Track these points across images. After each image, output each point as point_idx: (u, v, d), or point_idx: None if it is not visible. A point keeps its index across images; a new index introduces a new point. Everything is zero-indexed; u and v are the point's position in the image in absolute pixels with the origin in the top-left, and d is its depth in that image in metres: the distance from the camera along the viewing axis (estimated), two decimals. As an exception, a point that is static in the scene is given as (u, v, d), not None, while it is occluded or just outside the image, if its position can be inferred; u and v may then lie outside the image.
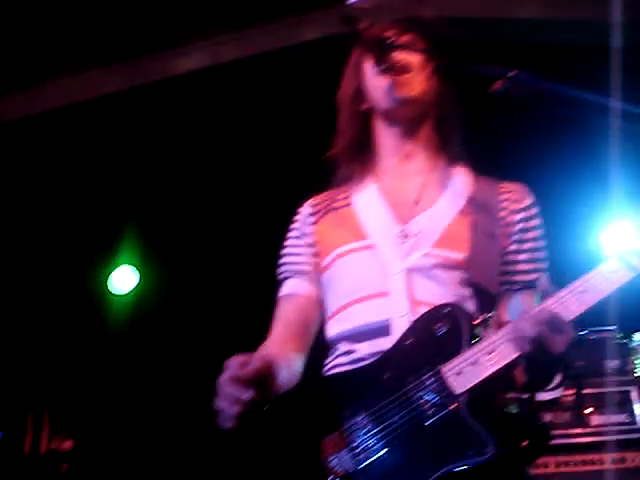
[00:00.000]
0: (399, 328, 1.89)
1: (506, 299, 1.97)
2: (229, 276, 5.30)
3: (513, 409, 1.85)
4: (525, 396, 1.88)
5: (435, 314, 1.85)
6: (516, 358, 1.72)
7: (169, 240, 5.48)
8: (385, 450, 1.78)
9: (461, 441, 1.71)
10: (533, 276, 1.98)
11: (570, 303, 1.69)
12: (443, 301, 1.87)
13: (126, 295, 5.55)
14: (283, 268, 2.19)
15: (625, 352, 4.29)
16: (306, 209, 2.21)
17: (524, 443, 1.74)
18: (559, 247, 2.21)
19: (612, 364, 4.27)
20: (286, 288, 2.17)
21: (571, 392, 4.19)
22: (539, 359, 1.69)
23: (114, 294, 5.50)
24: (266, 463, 1.95)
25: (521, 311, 1.74)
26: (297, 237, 2.19)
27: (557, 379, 1.85)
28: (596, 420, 4.16)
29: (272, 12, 4.55)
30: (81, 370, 5.56)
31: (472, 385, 1.74)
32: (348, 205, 2.13)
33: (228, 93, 4.84)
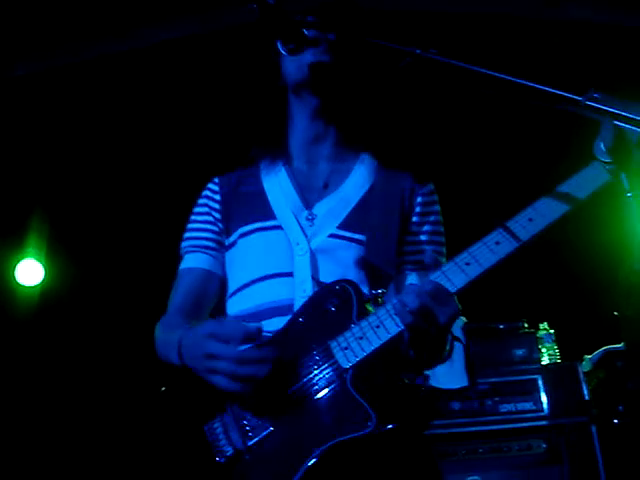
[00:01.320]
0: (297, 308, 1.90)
1: (403, 277, 1.99)
2: (138, 266, 5.21)
3: (398, 385, 1.86)
4: (412, 372, 1.89)
5: (327, 291, 1.87)
6: (401, 331, 1.72)
7: (76, 232, 5.36)
8: (274, 426, 1.77)
9: (346, 415, 1.72)
10: (429, 257, 2.01)
11: (454, 275, 1.71)
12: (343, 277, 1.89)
13: (33, 287, 5.39)
14: (186, 243, 2.19)
15: (532, 342, 4.38)
16: (213, 186, 2.21)
17: (404, 419, 1.75)
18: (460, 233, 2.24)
19: (519, 353, 4.36)
20: (187, 262, 2.16)
21: (479, 381, 4.26)
22: (423, 331, 1.69)
23: (21, 285, 5.34)
24: (155, 446, 1.91)
25: (406, 285, 1.74)
26: (202, 213, 2.19)
27: (445, 352, 1.87)
28: (504, 408, 4.24)
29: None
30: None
31: (358, 359, 1.76)
32: (257, 185, 2.13)
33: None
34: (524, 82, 1.45)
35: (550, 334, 4.42)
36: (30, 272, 5.32)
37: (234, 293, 2.06)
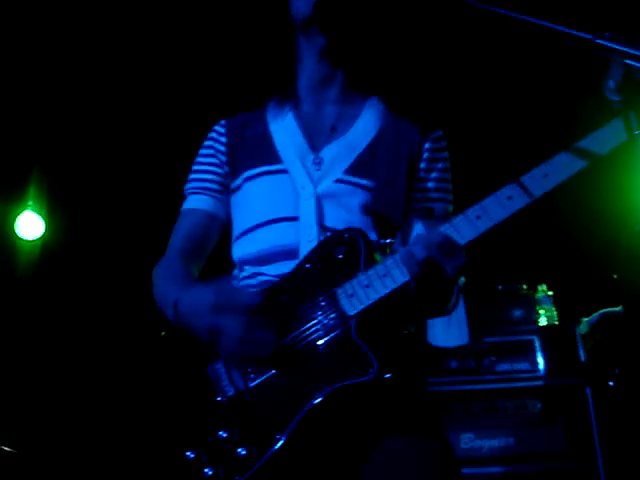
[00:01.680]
0: (305, 252, 1.90)
1: (410, 226, 1.98)
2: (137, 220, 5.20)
3: (402, 335, 1.87)
4: (416, 323, 1.89)
5: (336, 239, 1.86)
6: (407, 281, 1.72)
7: (76, 185, 5.33)
8: (275, 369, 1.78)
9: (348, 361, 1.73)
10: (438, 205, 2.01)
11: (463, 228, 1.69)
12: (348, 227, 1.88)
13: (33, 241, 5.38)
14: (190, 184, 2.17)
15: (530, 303, 4.40)
16: (220, 128, 2.18)
17: (406, 369, 1.76)
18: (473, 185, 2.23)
19: (517, 314, 4.38)
20: (189, 203, 2.15)
21: (476, 340, 4.29)
22: (430, 282, 1.69)
23: (21, 239, 5.33)
24: (158, 386, 1.93)
25: (415, 235, 1.74)
26: (208, 155, 2.17)
27: (451, 304, 1.87)
28: (501, 367, 4.26)
29: None
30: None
31: (363, 307, 1.76)
32: (263, 129, 2.11)
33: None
34: (534, 20, 1.44)
35: (548, 296, 4.43)
36: (30, 225, 5.30)
37: (239, 237, 2.05)
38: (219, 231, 2.13)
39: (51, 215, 5.38)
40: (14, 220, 5.26)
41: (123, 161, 5.18)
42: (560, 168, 1.66)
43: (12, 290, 5.36)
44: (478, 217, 1.70)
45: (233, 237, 2.09)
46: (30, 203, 5.27)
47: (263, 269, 1.95)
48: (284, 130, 2.08)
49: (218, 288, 1.79)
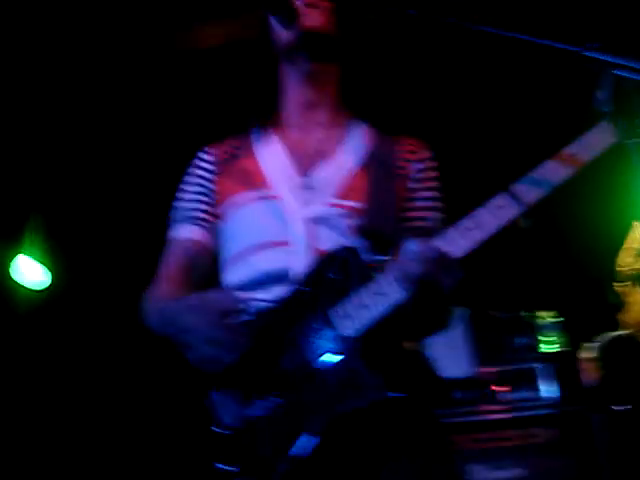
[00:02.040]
0: (299, 276, 1.88)
1: (402, 244, 1.97)
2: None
3: (402, 353, 1.84)
4: (414, 340, 1.87)
5: (328, 259, 1.84)
6: (403, 298, 1.70)
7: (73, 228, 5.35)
8: (274, 396, 1.76)
9: (348, 385, 1.70)
10: (429, 222, 2.01)
11: (457, 241, 1.68)
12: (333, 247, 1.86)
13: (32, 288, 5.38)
14: (175, 212, 2.15)
15: (530, 330, 4.37)
16: (205, 155, 2.17)
17: (410, 387, 1.73)
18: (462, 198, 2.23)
19: (518, 341, 4.35)
20: (177, 232, 2.12)
21: (480, 370, 4.25)
22: (426, 298, 1.68)
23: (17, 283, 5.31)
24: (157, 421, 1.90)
25: (407, 250, 1.72)
26: (193, 183, 2.15)
27: (448, 319, 1.86)
28: (504, 397, 4.22)
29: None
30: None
31: (359, 328, 1.73)
32: (249, 155, 2.10)
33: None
34: (521, 36, 1.45)
35: (551, 323, 4.41)
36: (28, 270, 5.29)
37: (228, 263, 2.03)
38: (208, 260, 2.09)
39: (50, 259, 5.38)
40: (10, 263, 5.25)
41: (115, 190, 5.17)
42: (549, 175, 1.65)
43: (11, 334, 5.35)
44: (470, 229, 1.69)
45: (222, 264, 2.07)
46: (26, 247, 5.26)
47: (255, 294, 1.93)
48: (270, 155, 2.08)
49: (199, 292, 1.82)
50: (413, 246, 1.85)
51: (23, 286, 5.31)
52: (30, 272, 5.32)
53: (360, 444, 1.74)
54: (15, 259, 5.22)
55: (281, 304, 1.86)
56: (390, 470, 1.73)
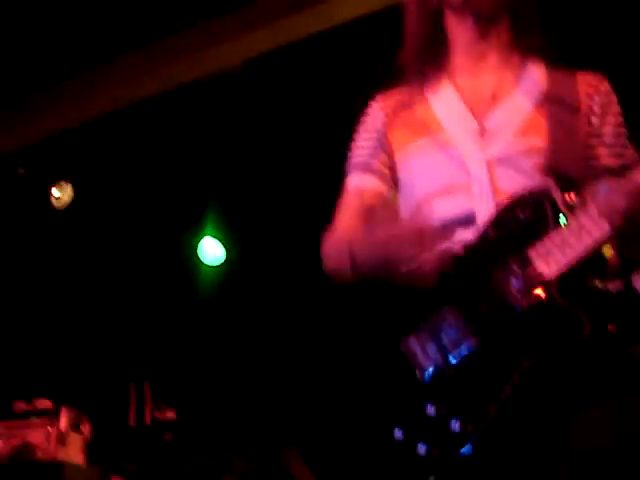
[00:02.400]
0: (483, 219, 1.85)
1: (594, 182, 1.90)
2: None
3: (606, 290, 1.78)
4: (619, 277, 1.80)
5: (519, 201, 1.80)
6: (607, 234, 1.64)
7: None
8: (475, 341, 1.75)
9: (553, 325, 1.66)
10: (617, 161, 1.92)
11: None
12: (521, 188, 1.81)
13: (215, 265, 5.71)
14: (350, 162, 2.14)
15: None
16: (377, 105, 2.17)
17: (617, 323, 1.67)
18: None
19: None
20: (352, 182, 2.12)
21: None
22: (632, 233, 1.61)
23: (204, 263, 5.67)
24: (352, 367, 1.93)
25: (608, 185, 1.66)
26: (366, 133, 2.14)
27: None
28: None
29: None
30: (178, 340, 5.72)
31: (561, 267, 1.68)
32: (422, 102, 2.08)
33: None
34: None
35: None
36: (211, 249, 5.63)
37: (410, 211, 2.02)
38: (385, 211, 2.06)
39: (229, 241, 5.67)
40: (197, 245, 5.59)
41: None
42: None
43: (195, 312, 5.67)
44: None
45: (402, 213, 2.05)
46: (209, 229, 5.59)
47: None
48: (444, 101, 2.04)
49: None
50: (611, 181, 1.78)
51: (205, 264, 5.65)
52: (210, 250, 5.65)
53: (561, 386, 1.69)
54: (200, 240, 5.55)
55: (471, 248, 1.83)
56: (586, 414, 1.68)
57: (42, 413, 4.49)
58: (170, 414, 5.21)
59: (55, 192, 5.35)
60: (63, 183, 5.36)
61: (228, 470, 4.90)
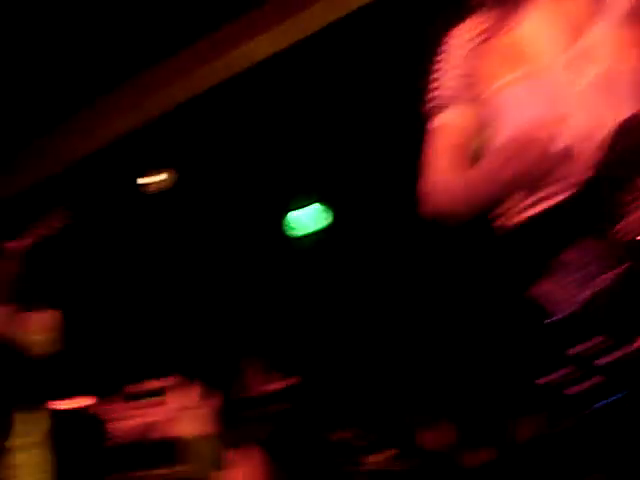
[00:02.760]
0: (585, 151, 1.74)
1: None
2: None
3: None
4: None
5: (624, 130, 1.69)
6: None
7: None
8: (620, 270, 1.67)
9: None
10: None
11: None
12: (627, 114, 1.71)
13: (312, 233, 5.81)
14: (434, 98, 2.03)
15: None
16: (459, 34, 2.04)
17: None
18: None
19: None
20: (440, 119, 2.01)
21: None
22: None
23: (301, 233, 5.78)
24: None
25: None
26: (450, 64, 2.02)
27: None
28: None
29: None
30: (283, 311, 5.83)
31: None
32: (508, 31, 1.97)
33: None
34: None
35: None
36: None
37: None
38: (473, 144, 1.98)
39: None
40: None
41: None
42: None
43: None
44: None
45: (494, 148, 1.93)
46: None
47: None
48: (531, 30, 1.94)
49: None
50: None
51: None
52: (306, 220, 5.74)
53: None
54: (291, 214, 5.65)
55: (583, 185, 1.75)
56: None
57: (157, 393, 4.66)
58: (281, 385, 5.29)
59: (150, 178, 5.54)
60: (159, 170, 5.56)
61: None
